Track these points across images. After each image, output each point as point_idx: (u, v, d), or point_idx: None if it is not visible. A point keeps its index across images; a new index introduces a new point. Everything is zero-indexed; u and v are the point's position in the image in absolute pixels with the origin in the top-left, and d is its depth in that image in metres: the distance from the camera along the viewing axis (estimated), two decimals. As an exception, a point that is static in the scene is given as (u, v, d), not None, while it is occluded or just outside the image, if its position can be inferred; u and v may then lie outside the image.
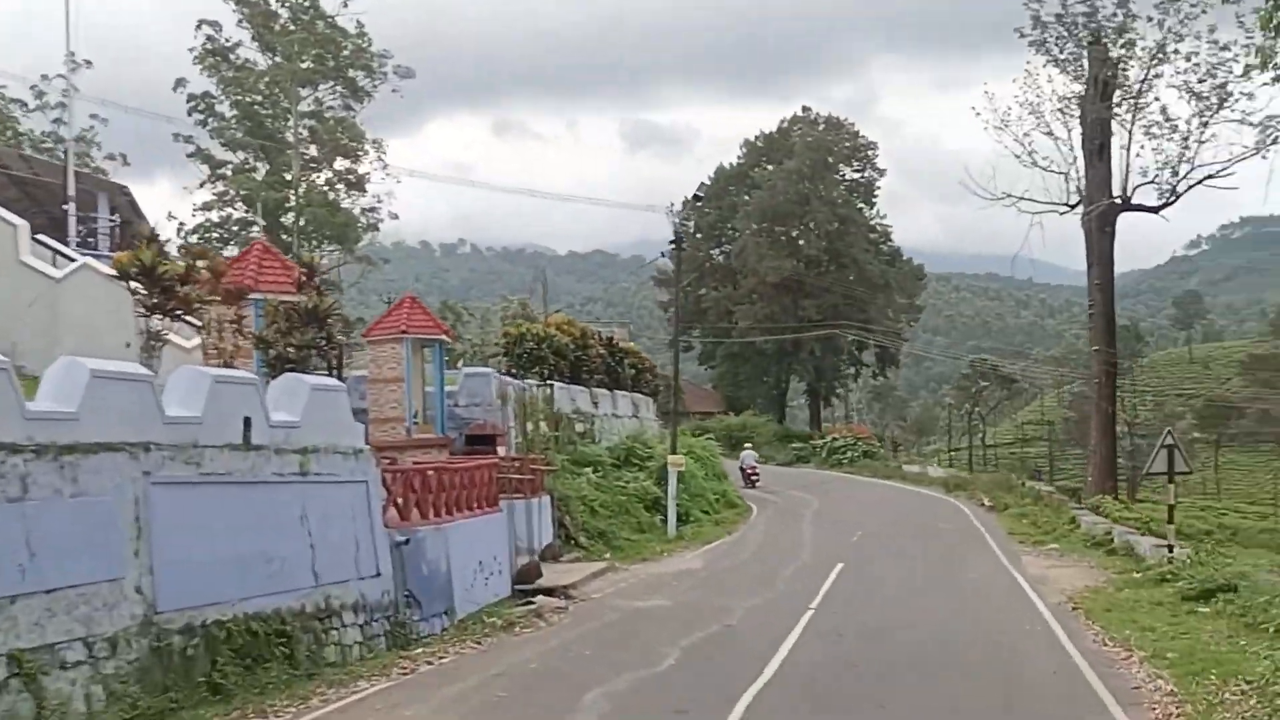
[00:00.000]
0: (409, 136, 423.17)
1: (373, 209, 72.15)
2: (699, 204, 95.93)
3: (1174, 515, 27.47)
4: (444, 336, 29.81)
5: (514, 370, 36.04)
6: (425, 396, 29.84)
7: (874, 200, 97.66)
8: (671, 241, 44.86)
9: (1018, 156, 50.15)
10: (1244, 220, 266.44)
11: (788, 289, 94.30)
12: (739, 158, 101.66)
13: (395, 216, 75.25)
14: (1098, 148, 47.42)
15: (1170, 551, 25.66)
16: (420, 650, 17.97)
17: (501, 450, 30.34)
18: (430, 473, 21.44)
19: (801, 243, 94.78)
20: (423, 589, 19.81)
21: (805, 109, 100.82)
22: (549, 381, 37.09)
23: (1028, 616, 21.01)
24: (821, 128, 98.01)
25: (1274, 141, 45.67)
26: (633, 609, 22.31)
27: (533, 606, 21.94)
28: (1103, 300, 48.49)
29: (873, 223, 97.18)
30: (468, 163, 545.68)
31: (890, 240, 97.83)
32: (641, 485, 38.42)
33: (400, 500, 20.14)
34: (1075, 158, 48.30)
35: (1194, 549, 26.12)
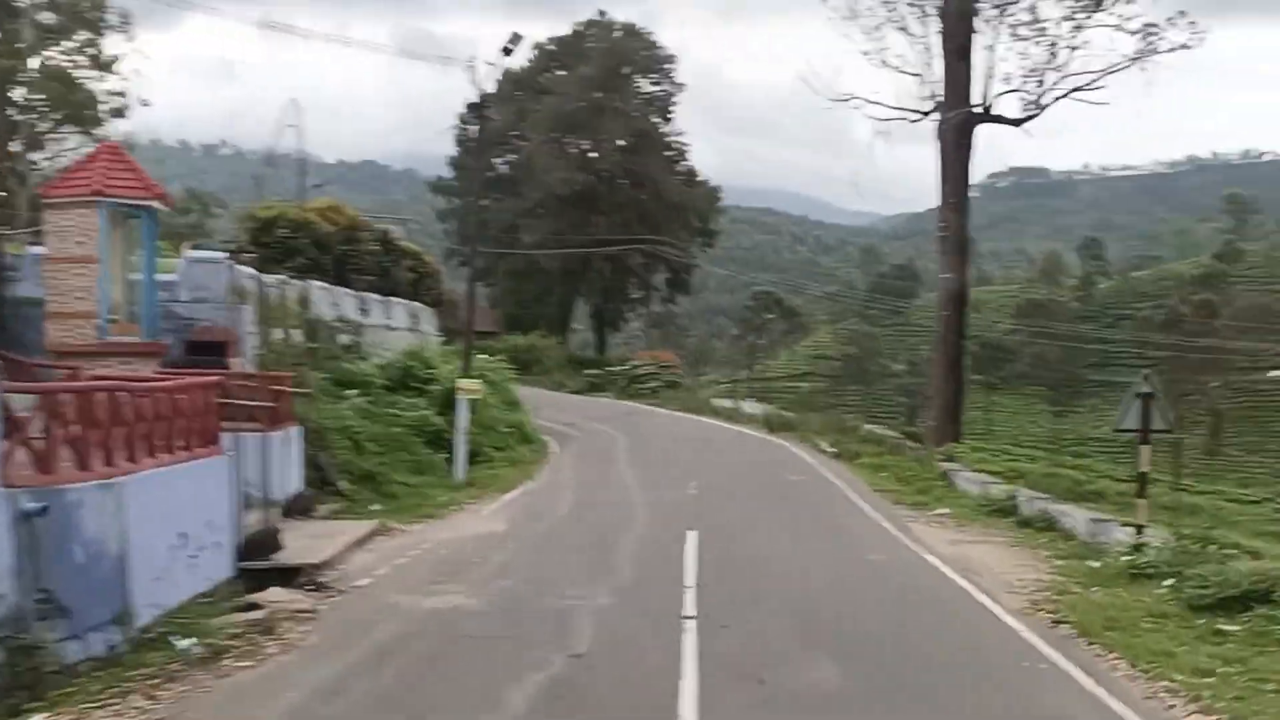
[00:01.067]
0: (168, 30, 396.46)
1: (119, 92, 62.08)
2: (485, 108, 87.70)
3: (1146, 487, 21.04)
4: (156, 202, 21.14)
5: (262, 264, 27.62)
6: (130, 286, 21.45)
7: (670, 116, 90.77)
8: (473, 105, 35.52)
9: (866, 54, 44.17)
10: (1012, 170, 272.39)
11: (577, 204, 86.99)
12: (529, 60, 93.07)
13: (146, 103, 64.67)
14: (958, 48, 41.46)
15: (1140, 534, 19.28)
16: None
17: (235, 364, 22.22)
18: (100, 396, 13.23)
19: (594, 156, 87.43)
20: (73, 586, 11.55)
21: (602, 13, 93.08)
22: (305, 279, 28.93)
23: (1003, 638, 14.27)
24: (618, 34, 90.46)
25: (1153, 51, 40.88)
26: (421, 614, 14.58)
27: (259, 615, 13.83)
28: (956, 222, 42.67)
29: (669, 140, 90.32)
30: (231, 60, 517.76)
31: (687, 159, 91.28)
32: (421, 414, 30.51)
33: (37, 441, 11.96)
34: (932, 59, 42.46)
35: (1174, 533, 19.99)
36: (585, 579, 16.89)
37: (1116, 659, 13.16)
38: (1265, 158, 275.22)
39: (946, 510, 26.72)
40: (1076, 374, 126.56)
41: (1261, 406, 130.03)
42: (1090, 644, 13.91)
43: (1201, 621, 14.69)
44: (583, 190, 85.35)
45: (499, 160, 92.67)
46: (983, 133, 41.99)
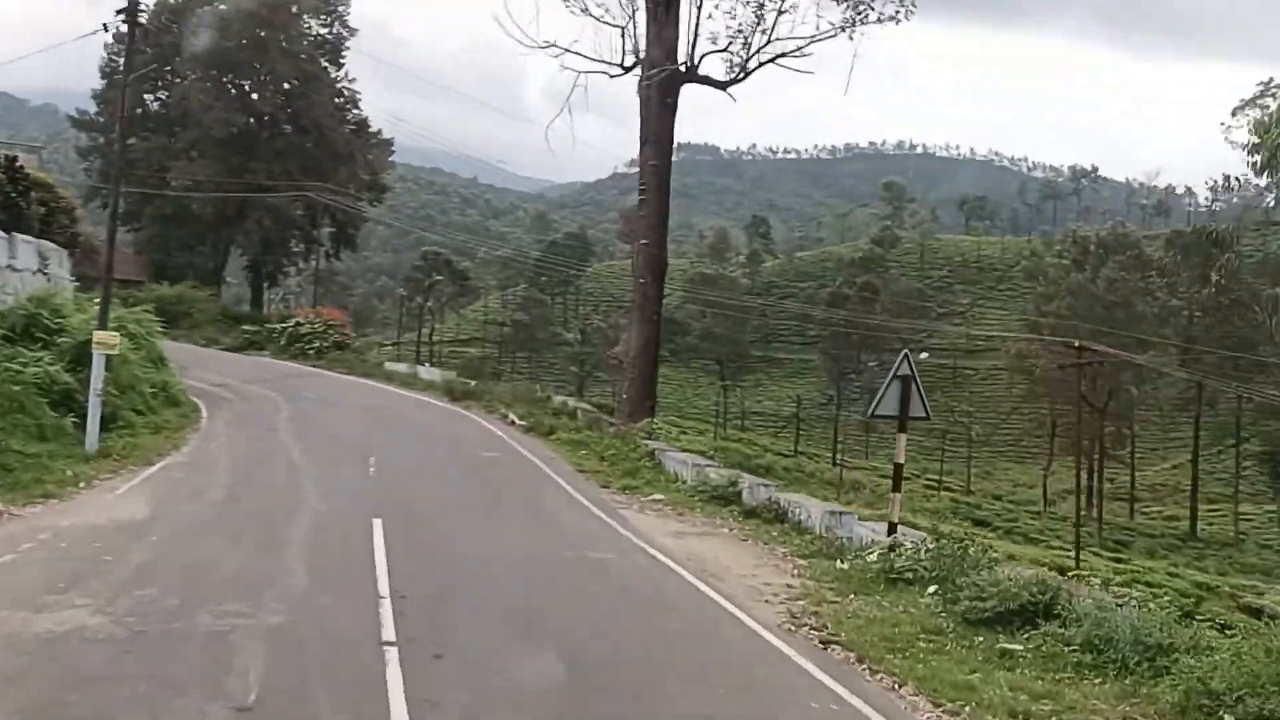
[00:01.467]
0: None
1: None
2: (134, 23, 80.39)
3: (900, 480, 19.21)
4: None
5: None
6: None
7: (342, 61, 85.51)
8: (120, 11, 30.30)
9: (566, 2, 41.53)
10: (681, 146, 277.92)
11: (236, 147, 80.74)
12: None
13: None
14: (664, 2, 39.53)
15: (893, 533, 17.60)
16: None
17: None
18: None
19: (255, 97, 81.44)
20: None
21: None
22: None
23: (774, 666, 11.97)
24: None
25: (863, 20, 40.03)
26: (27, 643, 10.61)
27: None
28: (657, 185, 40.52)
29: (340, 86, 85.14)
30: None
31: (358, 108, 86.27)
32: (46, 371, 25.92)
33: None
34: (637, 12, 40.24)
35: (932, 532, 18.48)
36: (250, 586, 13.38)
37: (912, 694, 11.16)
38: (917, 150, 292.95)
39: (661, 496, 24.40)
40: (743, 348, 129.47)
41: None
42: (874, 672, 11.87)
43: (980, 639, 13.03)
44: (242, 133, 79.27)
45: (151, 96, 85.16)
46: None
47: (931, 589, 14.83)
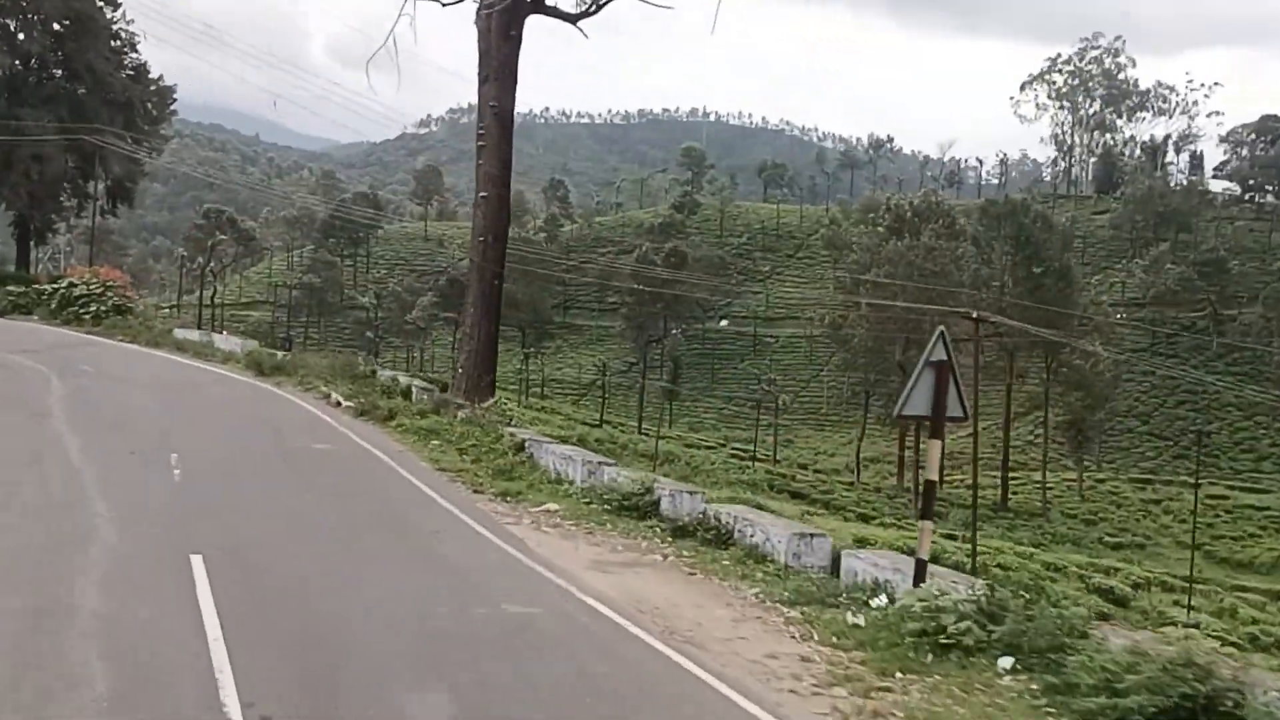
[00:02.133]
0: None
1: None
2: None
3: (931, 504, 14.62)
4: None
5: None
6: None
7: (119, 2, 78.65)
8: None
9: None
10: (471, 107, 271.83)
11: (2, 92, 73.81)
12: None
13: None
14: (511, -80, 35.75)
15: (922, 575, 12.91)
16: None
17: None
18: None
19: (22, 37, 74.15)
20: None
21: None
22: None
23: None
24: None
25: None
26: None
27: None
28: (499, 130, 36.51)
29: (116, 28, 78.23)
30: None
31: (137, 52, 79.34)
32: None
33: None
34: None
35: (990, 579, 14.44)
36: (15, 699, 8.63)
37: None
38: (710, 118, 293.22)
39: (554, 505, 19.51)
40: (546, 314, 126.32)
41: (711, 354, 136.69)
42: None
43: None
44: (7, 76, 72.22)
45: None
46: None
47: (1006, 663, 10.97)
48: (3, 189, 73.81)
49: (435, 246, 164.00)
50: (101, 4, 76.52)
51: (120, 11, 77.72)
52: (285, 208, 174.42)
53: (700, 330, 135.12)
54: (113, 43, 76.70)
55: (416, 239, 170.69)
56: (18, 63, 72.74)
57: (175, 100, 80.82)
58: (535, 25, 36.39)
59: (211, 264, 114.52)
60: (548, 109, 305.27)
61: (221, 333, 57.91)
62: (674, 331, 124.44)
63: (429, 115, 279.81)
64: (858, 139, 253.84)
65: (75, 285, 50.63)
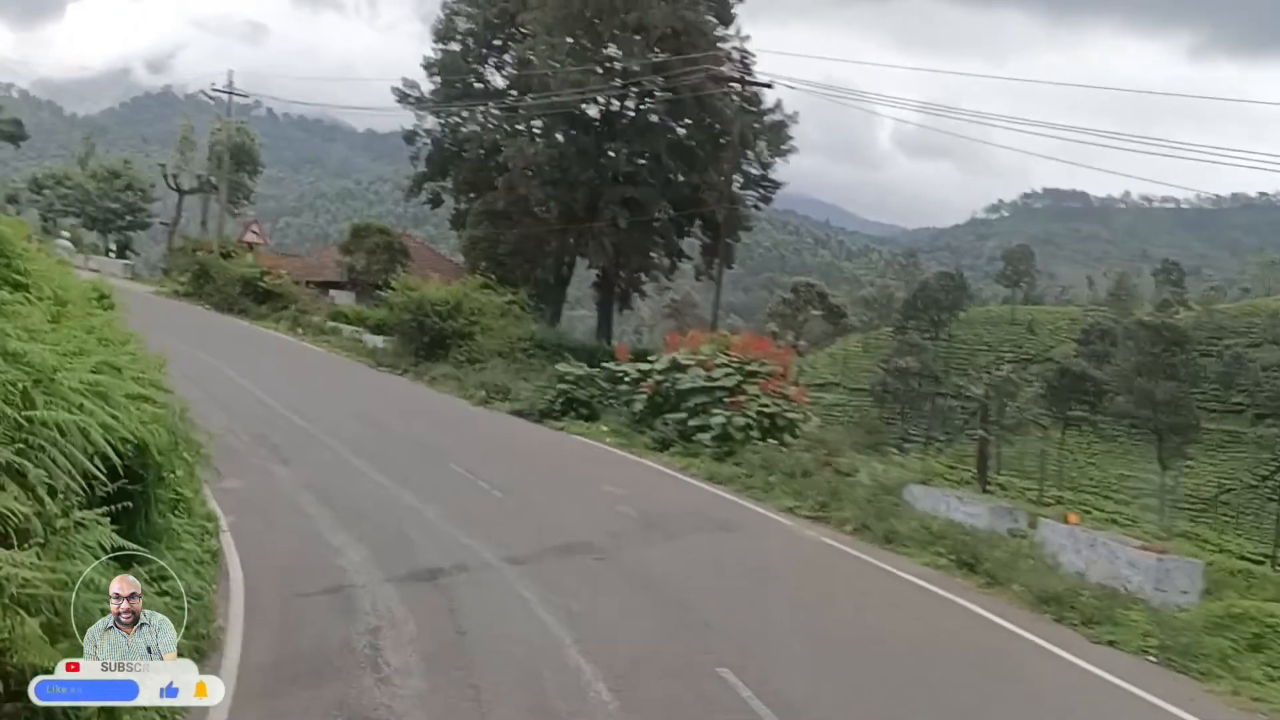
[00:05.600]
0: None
1: None
2: None
3: None
4: None
5: None
6: None
7: (732, 15, 59.68)
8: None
9: None
10: (1046, 191, 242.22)
11: (589, 123, 56.95)
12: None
13: None
14: None
15: None
16: None
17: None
18: None
19: (617, 52, 56.68)
20: None
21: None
22: None
23: None
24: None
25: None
26: None
27: None
28: None
29: (729, 48, 59.26)
30: (261, 22, 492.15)
31: (751, 73, 59.82)
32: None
33: None
34: None
35: None
36: None
37: None
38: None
39: None
40: (1188, 416, 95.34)
41: None
42: None
43: None
44: (597, 98, 55.40)
45: (494, 62, 62.33)
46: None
47: None
48: (586, 240, 56.32)
49: (1024, 332, 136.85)
50: (712, 19, 57.78)
51: (734, 27, 58.58)
52: (862, 288, 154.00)
53: None
54: (721, 62, 57.59)
55: (1000, 322, 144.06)
56: (615, 87, 55.05)
57: (791, 138, 59.88)
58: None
59: (800, 340, 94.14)
60: (1128, 192, 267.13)
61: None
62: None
63: (999, 200, 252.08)
64: None
65: (688, 365, 26.07)
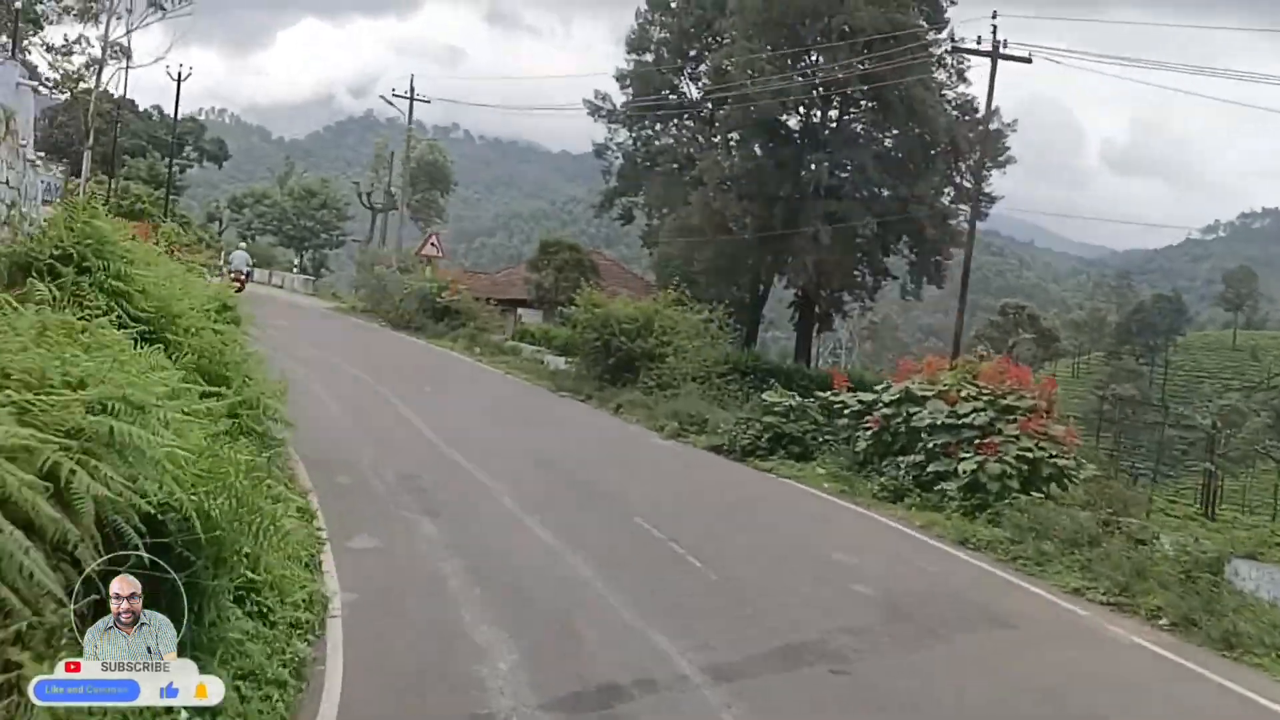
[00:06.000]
0: (404, 18, 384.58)
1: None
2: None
3: None
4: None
5: None
6: None
7: (945, 19, 54.84)
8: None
9: None
10: (1265, 211, 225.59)
11: (790, 134, 53.09)
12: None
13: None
14: None
15: None
16: None
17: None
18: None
19: (818, 61, 52.49)
20: None
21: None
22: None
23: None
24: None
25: None
26: None
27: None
28: None
29: (940, 53, 54.46)
30: (459, 46, 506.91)
31: (966, 78, 54.88)
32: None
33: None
34: None
35: None
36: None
37: None
38: None
39: None
40: None
41: None
42: None
43: None
44: (802, 113, 51.57)
45: (687, 72, 59.07)
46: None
47: None
48: (785, 256, 52.35)
49: (1246, 358, 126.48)
50: (922, 21, 53.06)
51: (947, 31, 53.69)
52: (1069, 311, 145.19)
53: None
54: (932, 66, 52.90)
55: (1220, 348, 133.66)
56: (816, 93, 51.07)
57: (1008, 148, 54.54)
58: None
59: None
60: None
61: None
62: None
63: (1216, 220, 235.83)
64: None
65: (925, 398, 21.37)
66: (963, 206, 54.31)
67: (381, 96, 59.07)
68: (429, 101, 60.32)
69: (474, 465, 19.11)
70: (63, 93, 56.01)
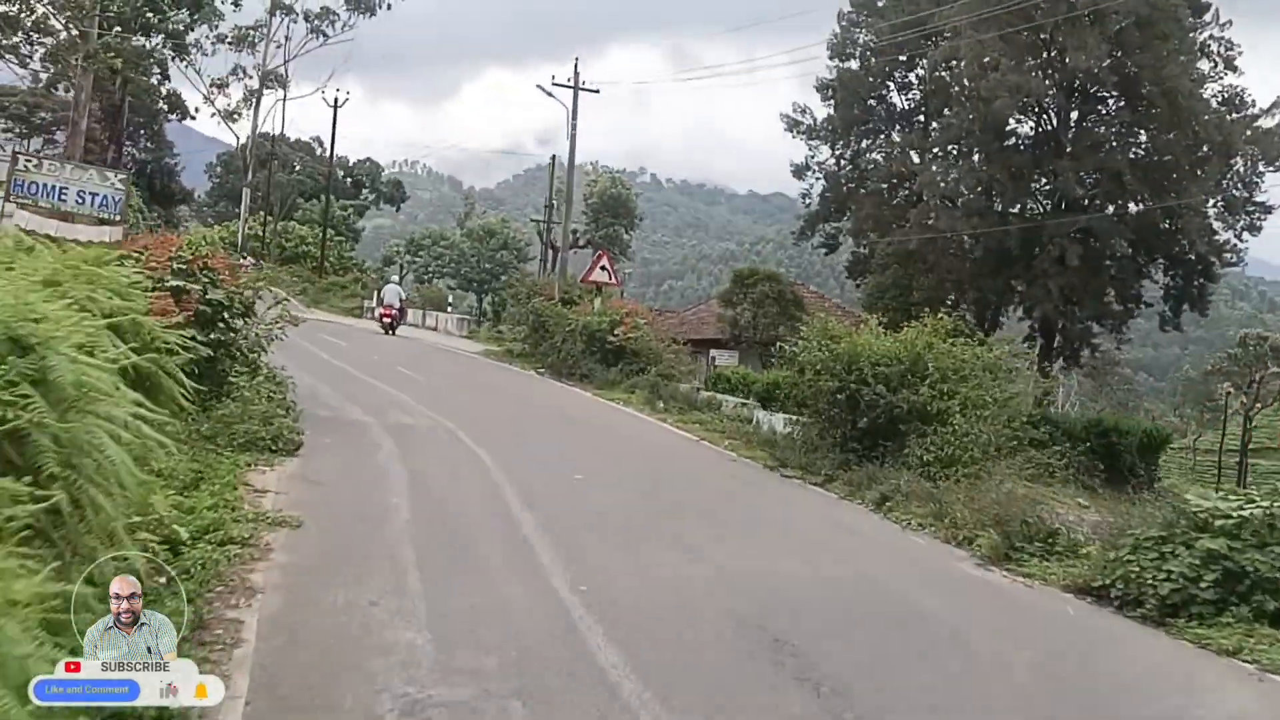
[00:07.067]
0: (592, 61, 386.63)
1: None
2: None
3: None
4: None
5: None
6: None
7: (1207, 3, 45.90)
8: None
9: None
10: None
11: (1019, 141, 45.21)
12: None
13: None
14: None
15: None
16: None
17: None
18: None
19: (1065, 51, 44.18)
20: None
21: None
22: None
23: None
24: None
25: None
26: None
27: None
28: None
29: (1203, 39, 45.63)
30: (644, 91, 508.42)
31: (1236, 68, 45.86)
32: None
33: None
34: None
35: None
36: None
37: None
38: None
39: None
40: None
41: None
42: None
43: None
44: (1043, 106, 43.62)
45: (897, 78, 51.58)
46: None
47: None
48: (1021, 281, 44.31)
49: None
50: (1185, 7, 44.34)
51: (1212, 13, 44.98)
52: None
53: None
54: (1198, 55, 44.23)
55: None
56: (1062, 91, 43.03)
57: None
58: None
59: (1257, 403, 76.28)
60: None
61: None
62: None
63: None
64: None
65: None
66: (1232, 217, 45.41)
67: (539, 86, 52.05)
68: (597, 91, 53.54)
69: (634, 668, 7.99)
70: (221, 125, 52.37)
